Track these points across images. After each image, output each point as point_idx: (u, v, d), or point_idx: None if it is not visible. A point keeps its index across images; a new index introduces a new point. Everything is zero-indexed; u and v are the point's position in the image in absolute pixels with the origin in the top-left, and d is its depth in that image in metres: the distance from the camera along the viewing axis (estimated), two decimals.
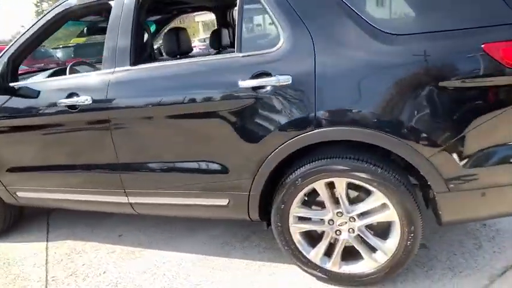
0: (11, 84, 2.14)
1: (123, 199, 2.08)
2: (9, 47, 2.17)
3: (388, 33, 1.44)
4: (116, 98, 1.85)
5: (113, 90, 1.85)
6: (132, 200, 2.05)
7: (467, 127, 1.42)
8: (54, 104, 1.99)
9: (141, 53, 1.93)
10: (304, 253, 1.80)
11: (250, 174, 1.72)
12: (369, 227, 1.70)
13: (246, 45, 1.66)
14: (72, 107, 1.94)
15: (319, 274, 1.80)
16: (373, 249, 1.71)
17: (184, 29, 2.26)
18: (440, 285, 1.75)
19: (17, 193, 2.39)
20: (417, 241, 1.60)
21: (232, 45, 3.01)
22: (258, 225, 2.36)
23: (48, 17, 2.07)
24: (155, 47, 3.60)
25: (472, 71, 1.38)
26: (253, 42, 1.71)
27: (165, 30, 2.45)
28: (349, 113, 1.50)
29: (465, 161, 1.45)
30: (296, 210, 1.74)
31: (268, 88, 1.57)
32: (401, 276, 1.80)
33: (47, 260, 2.34)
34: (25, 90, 2.11)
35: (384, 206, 1.61)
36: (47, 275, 2.18)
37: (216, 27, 3.13)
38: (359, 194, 1.68)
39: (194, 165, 1.83)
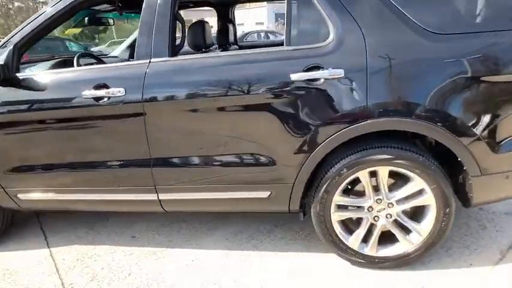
0: (18, 75, 1.96)
1: (151, 196, 2.00)
2: (15, 34, 1.98)
3: (432, 32, 1.59)
4: (154, 90, 1.79)
5: (151, 82, 1.78)
6: (163, 196, 1.98)
7: (498, 118, 1.61)
8: (76, 96, 1.86)
9: (177, 44, 1.87)
10: (344, 240, 1.89)
11: (297, 165, 1.77)
12: (404, 211, 1.84)
13: (294, 39, 1.72)
14: (99, 99, 1.83)
15: (357, 259, 1.90)
16: (408, 232, 1.85)
17: (207, 22, 2.23)
18: (461, 262, 1.94)
19: (19, 195, 2.17)
20: (451, 222, 1.77)
21: (235, 42, 3.03)
22: (279, 219, 2.43)
23: (63, 3, 1.93)
24: None
25: (505, 67, 1.57)
26: (301, 36, 1.75)
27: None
28: (399, 104, 1.62)
29: (495, 147, 1.64)
30: (338, 199, 1.82)
31: (321, 81, 1.64)
32: (427, 257, 1.96)
33: (56, 267, 2.15)
34: (35, 82, 1.94)
35: (421, 191, 1.75)
36: (62, 283, 2.01)
37: (218, 25, 3.12)
38: (396, 181, 1.81)
39: (239, 158, 1.83)
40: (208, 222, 2.48)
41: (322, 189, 1.80)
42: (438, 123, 1.60)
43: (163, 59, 1.80)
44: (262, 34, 14.36)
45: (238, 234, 2.34)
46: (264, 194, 1.88)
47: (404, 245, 1.86)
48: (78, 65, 2.22)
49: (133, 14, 3.01)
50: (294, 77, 1.65)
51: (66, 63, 2.42)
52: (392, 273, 1.89)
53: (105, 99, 1.82)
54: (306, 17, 1.73)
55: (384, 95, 1.62)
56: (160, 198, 1.99)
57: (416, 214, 1.84)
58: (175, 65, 1.81)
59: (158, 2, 1.81)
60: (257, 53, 1.79)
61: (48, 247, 2.37)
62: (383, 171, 1.74)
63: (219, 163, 1.85)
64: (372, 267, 1.92)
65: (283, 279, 1.91)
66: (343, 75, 1.62)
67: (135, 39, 3.25)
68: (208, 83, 1.76)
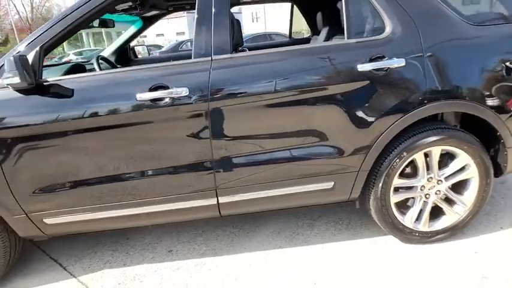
0: (49, 80, 1.72)
1: (210, 201, 1.89)
2: (41, 34, 1.73)
3: (470, 24, 1.81)
4: (220, 87, 1.71)
5: (216, 79, 1.70)
6: (223, 199, 1.89)
7: None
8: (128, 100, 1.69)
9: (236, 40, 1.82)
10: (400, 220, 2.01)
11: (363, 153, 1.84)
12: (450, 186, 2.03)
13: (354, 32, 1.80)
14: (157, 100, 1.69)
15: (413, 237, 2.05)
16: (453, 205, 2.04)
17: (238, 21, 2.20)
18: (492, 227, 2.20)
19: (45, 220, 1.87)
20: (490, 190, 2.01)
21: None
22: (313, 213, 2.48)
23: (94, 3, 1.75)
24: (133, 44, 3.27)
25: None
26: (359, 29, 1.83)
27: None
28: (452, 88, 1.80)
29: None
30: (396, 182, 1.94)
31: (385, 70, 1.75)
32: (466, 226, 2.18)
33: None
34: (68, 87, 1.72)
35: (466, 165, 1.96)
36: None
37: None
38: (441, 159, 1.99)
39: (307, 151, 1.83)
40: (242, 226, 2.42)
41: (384, 174, 1.90)
42: (483, 103, 1.82)
43: (226, 56, 1.74)
44: (190, 42, 14.24)
45: (281, 232, 2.33)
46: (328, 185, 1.92)
47: (451, 217, 2.05)
48: (100, 69, 2.02)
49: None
50: (361, 67, 1.74)
51: (79, 67, 2.16)
52: (441, 245, 2.07)
53: (166, 100, 1.69)
54: (363, 13, 1.82)
55: (439, 81, 1.79)
56: (220, 201, 1.90)
57: (458, 187, 2.05)
58: (239, 61, 1.76)
59: (214, 3, 1.75)
60: (322, 46, 1.84)
61: (74, 276, 2.07)
62: (436, 151, 1.91)
63: (286, 158, 1.83)
64: (426, 242, 2.07)
65: (350, 266, 1.96)
66: (404, 64, 1.75)
67: (123, 43, 3.09)
68: (275, 78, 1.74)
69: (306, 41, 3.18)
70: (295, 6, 3.26)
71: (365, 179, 1.92)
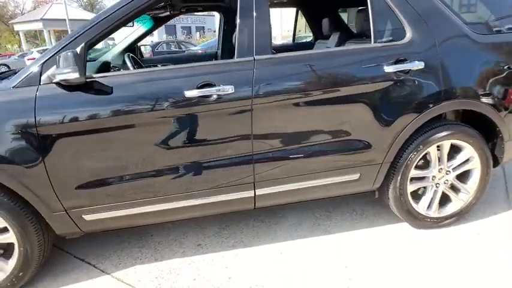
0: (95, 76, 1.75)
1: (248, 193, 1.99)
2: (86, 31, 1.75)
3: (475, 32, 2.07)
4: (262, 86, 1.82)
5: (259, 78, 1.82)
6: (260, 192, 2.00)
7: None
8: (176, 96, 1.76)
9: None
10: (415, 208, 2.23)
11: (387, 146, 2.04)
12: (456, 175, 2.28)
13: (378, 36, 1.99)
14: (205, 97, 1.77)
15: (426, 222, 2.28)
16: (458, 192, 2.29)
17: None
18: (481, 211, 2.49)
19: (84, 216, 1.88)
20: (490, 179, 2.28)
21: None
22: (328, 205, 2.65)
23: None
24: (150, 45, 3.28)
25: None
26: (383, 34, 2.03)
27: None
28: (463, 89, 2.04)
29: None
30: (413, 172, 2.16)
31: (407, 71, 1.95)
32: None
33: None
34: (115, 84, 1.76)
35: (470, 157, 2.21)
36: None
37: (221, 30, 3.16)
38: (449, 152, 2.24)
39: (338, 145, 1.99)
40: (263, 219, 2.53)
41: (403, 166, 2.11)
42: (486, 102, 2.08)
43: (268, 56, 1.86)
44: (173, 44, 14.15)
45: (302, 224, 2.47)
46: (355, 176, 2.09)
47: (457, 204, 2.29)
48: (133, 67, 2.06)
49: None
50: (387, 69, 1.93)
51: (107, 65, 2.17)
52: (448, 229, 2.31)
53: (213, 97, 1.78)
54: (387, 20, 2.02)
55: (453, 82, 2.02)
56: (256, 194, 2.01)
57: (462, 177, 2.30)
58: (280, 61, 1.89)
59: (255, 2, 1.87)
60: (354, 49, 2.01)
61: (107, 273, 2.08)
62: (447, 144, 2.15)
63: (320, 151, 1.98)
64: (436, 227, 2.30)
65: (373, 250, 2.14)
66: (423, 66, 1.97)
67: (132, 43, 3.10)
68: (311, 77, 1.89)
69: (310, 45, 3.37)
70: (299, 12, 3.44)
71: (387, 170, 2.12)
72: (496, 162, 2.31)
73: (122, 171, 1.82)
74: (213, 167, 1.90)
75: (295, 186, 2.04)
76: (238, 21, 1.87)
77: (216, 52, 3.51)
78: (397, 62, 1.95)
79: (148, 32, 3.10)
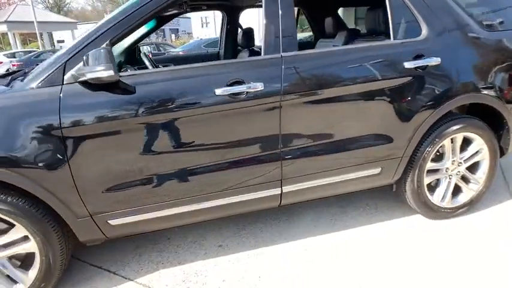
0: (125, 74, 1.70)
1: (275, 191, 1.99)
2: (109, 28, 1.69)
3: (484, 29, 2.17)
4: (291, 83, 1.82)
5: (287, 75, 1.82)
6: (287, 189, 2.00)
7: None
8: (206, 94, 1.73)
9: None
10: (431, 199, 2.30)
11: (407, 140, 2.09)
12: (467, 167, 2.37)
13: (397, 34, 2.04)
14: (236, 95, 1.75)
15: (440, 213, 2.35)
16: (468, 183, 2.39)
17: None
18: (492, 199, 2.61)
19: (110, 221, 1.80)
20: (497, 170, 2.39)
21: (248, 45, 3.12)
22: (341, 201, 2.69)
23: None
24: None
25: None
26: (401, 31, 2.07)
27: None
28: (475, 83, 2.13)
29: None
30: (429, 165, 2.23)
31: (426, 67, 2.02)
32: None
33: None
34: (144, 82, 1.71)
35: (480, 149, 2.31)
36: None
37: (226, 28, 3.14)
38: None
39: (362, 140, 2.02)
40: (280, 218, 2.53)
41: (421, 158, 2.18)
42: (495, 95, 2.18)
43: (294, 53, 1.86)
44: (151, 46, 13.87)
45: (320, 220, 2.48)
46: (376, 171, 2.13)
47: (467, 194, 2.39)
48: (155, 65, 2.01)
49: None
50: (407, 65, 1.98)
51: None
52: (460, 219, 2.40)
53: (243, 95, 1.76)
54: (405, 18, 2.06)
55: (466, 77, 2.11)
56: (283, 191, 2.00)
57: (471, 168, 2.39)
58: (306, 58, 1.89)
59: (280, 3, 1.87)
60: (377, 45, 2.05)
61: (131, 279, 2.01)
62: (459, 137, 2.24)
63: (345, 147, 2.01)
64: (450, 217, 2.39)
65: (394, 241, 2.19)
66: (440, 62, 2.04)
67: (134, 43, 3.03)
68: (337, 73, 1.92)
69: (310, 44, 3.40)
70: (301, 11, 3.47)
71: (406, 164, 2.17)
72: (502, 152, 2.43)
73: (150, 172, 1.77)
74: (242, 165, 1.88)
75: (320, 183, 2.05)
76: (264, 19, 1.86)
77: (218, 52, 3.47)
78: (415, 58, 2.01)
79: (150, 32, 3.03)
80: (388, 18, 2.05)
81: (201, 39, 13.17)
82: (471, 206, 2.42)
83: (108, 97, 1.65)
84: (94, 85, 1.63)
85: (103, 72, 1.50)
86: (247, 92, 1.77)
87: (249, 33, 2.98)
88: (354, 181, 2.13)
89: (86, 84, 1.63)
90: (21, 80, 1.80)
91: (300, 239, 2.28)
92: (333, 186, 2.10)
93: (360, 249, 2.14)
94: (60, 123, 1.60)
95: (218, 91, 1.73)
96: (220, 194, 1.91)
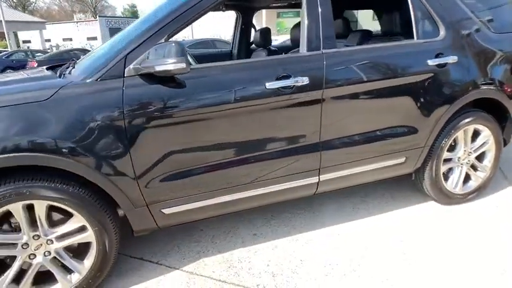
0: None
1: (313, 179, 2.12)
2: (168, 24, 1.76)
3: (491, 30, 2.42)
4: (332, 78, 1.96)
5: (329, 71, 1.96)
6: (323, 177, 2.13)
7: None
8: (259, 87, 1.84)
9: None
10: (446, 187, 2.52)
11: (429, 131, 2.29)
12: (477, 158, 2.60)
13: (420, 34, 2.24)
14: (284, 88, 1.87)
15: (454, 198, 2.58)
16: (476, 170, 2.62)
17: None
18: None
19: (164, 210, 1.87)
20: (499, 158, 2.64)
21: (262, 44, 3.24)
22: (360, 192, 2.85)
23: None
24: None
25: None
26: (423, 32, 2.27)
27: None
28: (486, 79, 2.36)
29: None
30: (445, 154, 2.44)
31: (445, 65, 2.22)
32: None
33: (221, 279, 1.96)
34: (203, 75, 1.80)
35: (487, 140, 2.55)
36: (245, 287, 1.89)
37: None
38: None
39: (391, 131, 2.20)
40: (305, 208, 2.67)
41: (439, 148, 2.38)
42: (502, 91, 2.43)
43: (334, 50, 2.01)
44: None
45: (342, 209, 2.64)
46: (401, 160, 2.31)
47: (476, 181, 2.63)
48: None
49: None
50: (430, 62, 2.18)
51: None
52: (470, 204, 2.63)
53: (291, 88, 1.88)
54: (425, 20, 2.26)
55: (478, 74, 2.34)
56: (320, 179, 2.14)
57: (479, 157, 2.64)
58: (345, 54, 2.05)
59: (320, 3, 2.01)
60: (404, 44, 2.24)
61: (177, 268, 2.08)
62: (471, 129, 2.47)
63: (377, 138, 2.18)
64: (461, 202, 2.61)
65: (415, 224, 2.38)
66: (456, 60, 2.26)
67: None
68: (371, 69, 2.08)
69: None
70: None
71: (427, 153, 2.37)
72: (504, 143, 2.69)
73: (204, 161, 1.85)
74: (287, 154, 2.00)
75: (352, 172, 2.21)
76: (306, 19, 1.99)
77: (231, 51, 3.57)
78: (436, 56, 2.21)
79: None
80: (411, 20, 2.24)
81: (184, 40, 13.09)
82: (479, 191, 2.66)
83: (169, 89, 1.72)
84: (155, 78, 1.70)
85: (176, 64, 1.57)
86: (293, 86, 1.89)
87: (265, 33, 3.11)
88: (381, 170, 2.30)
89: (146, 77, 1.70)
90: (69, 73, 1.85)
91: (329, 226, 2.42)
92: (363, 175, 2.26)
93: (387, 233, 2.31)
94: (123, 115, 1.66)
95: (268, 84, 1.85)
96: (265, 183, 2.02)
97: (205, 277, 1.99)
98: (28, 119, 1.57)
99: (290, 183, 2.08)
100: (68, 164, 1.61)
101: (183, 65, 1.58)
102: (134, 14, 55.43)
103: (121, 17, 44.40)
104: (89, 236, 1.77)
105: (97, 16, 40.98)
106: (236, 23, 3.47)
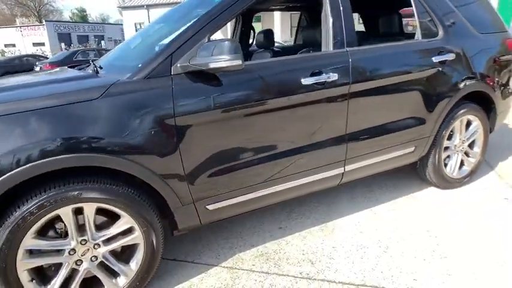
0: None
1: (339, 170, 2.24)
2: (209, 23, 1.80)
3: (479, 32, 2.72)
4: (357, 74, 2.11)
5: (354, 67, 2.10)
6: (348, 168, 2.27)
7: (508, 77, 2.89)
8: (296, 83, 1.94)
9: None
10: (446, 172, 2.77)
11: (434, 121, 2.52)
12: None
13: (423, 34, 2.47)
14: (318, 84, 1.98)
15: (453, 183, 2.83)
16: (469, 157, 2.91)
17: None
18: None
19: (208, 207, 1.88)
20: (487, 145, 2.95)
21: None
22: (367, 184, 3.03)
23: None
24: None
25: (502, 52, 2.86)
26: (427, 32, 2.49)
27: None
28: (478, 74, 2.65)
29: (506, 95, 2.92)
30: (446, 142, 2.70)
31: (445, 61, 2.47)
32: None
33: (263, 270, 2.01)
34: (250, 72, 1.86)
35: (478, 129, 2.85)
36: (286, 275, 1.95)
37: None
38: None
39: (404, 122, 2.40)
40: (319, 201, 2.79)
41: (441, 137, 2.63)
42: (489, 85, 2.73)
43: (356, 48, 2.15)
44: (93, 53, 13.11)
45: (355, 199, 2.80)
46: (411, 149, 2.52)
47: (469, 166, 2.91)
48: None
49: None
50: (434, 59, 2.41)
51: None
52: (463, 188, 2.91)
53: (323, 84, 1.99)
54: (427, 22, 2.49)
55: (472, 70, 2.61)
56: (345, 170, 2.27)
57: (469, 145, 2.93)
58: (366, 52, 2.20)
59: (341, 4, 2.15)
60: (410, 43, 2.44)
61: (215, 265, 2.10)
62: (465, 119, 2.75)
63: (393, 129, 2.36)
64: (457, 186, 2.88)
65: (418, 208, 2.60)
66: (454, 57, 2.51)
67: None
68: (389, 65, 2.27)
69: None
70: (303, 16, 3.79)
71: (432, 141, 2.60)
72: (490, 131, 3.01)
73: (246, 156, 1.90)
74: (319, 147, 2.11)
75: (372, 161, 2.37)
76: (330, 19, 2.12)
77: None
78: (439, 54, 2.45)
79: None
80: (416, 21, 2.47)
81: None
82: (471, 175, 2.96)
83: (216, 86, 1.76)
84: (201, 75, 1.73)
85: (232, 61, 1.61)
86: (325, 82, 2.01)
87: (268, 34, 3.21)
88: (394, 159, 2.48)
89: (193, 74, 1.72)
90: (96, 72, 1.84)
91: (348, 215, 2.56)
92: (379, 164, 2.43)
93: (402, 216, 2.50)
94: (173, 112, 1.67)
95: (304, 80, 1.95)
96: (299, 175, 2.11)
97: (248, 270, 2.03)
98: (81, 118, 1.53)
99: (320, 174, 2.19)
100: (120, 163, 1.59)
101: (239, 62, 1.63)
102: (84, 19, 52.93)
103: (70, 22, 42.21)
104: (137, 237, 1.74)
105: (42, 20, 38.64)
106: (235, 25, 3.54)
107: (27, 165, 1.42)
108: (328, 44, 2.14)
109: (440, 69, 2.45)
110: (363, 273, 1.96)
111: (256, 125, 1.89)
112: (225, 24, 1.88)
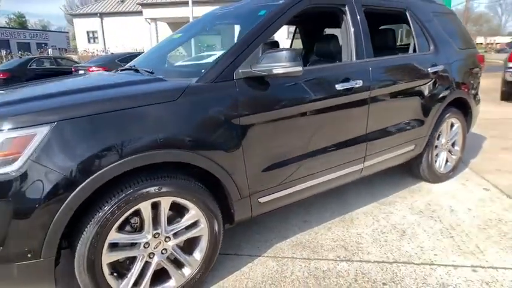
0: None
1: (359, 166, 2.54)
2: (261, 33, 2.03)
3: (459, 48, 3.22)
4: (375, 81, 2.43)
5: (373, 75, 2.42)
6: (367, 164, 2.57)
7: (477, 82, 3.43)
8: (331, 89, 2.21)
9: None
10: (436, 166, 3.21)
11: (430, 123, 2.93)
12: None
13: (420, 48, 2.89)
14: (347, 90, 2.27)
15: (440, 177, 3.28)
16: (452, 154, 3.38)
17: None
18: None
19: (260, 199, 2.06)
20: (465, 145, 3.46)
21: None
22: (376, 178, 3.37)
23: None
24: None
25: (474, 65, 3.40)
26: (421, 47, 2.90)
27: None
28: (459, 83, 3.13)
29: (475, 98, 3.45)
30: (436, 142, 3.12)
31: (437, 72, 2.91)
32: None
33: (292, 256, 2.21)
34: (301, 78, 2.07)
35: (459, 130, 3.33)
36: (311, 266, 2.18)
37: None
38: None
39: (410, 123, 2.77)
40: (330, 196, 3.07)
41: (434, 137, 3.06)
42: (468, 92, 3.24)
43: (373, 59, 2.48)
44: (48, 61, 12.41)
45: (362, 194, 3.11)
46: (412, 147, 2.90)
47: (451, 162, 3.38)
48: None
49: None
50: (429, 70, 2.84)
51: None
52: (451, 181, 3.37)
53: (352, 89, 2.29)
54: (421, 38, 2.92)
55: (455, 79, 3.09)
56: (364, 165, 2.57)
57: (452, 145, 3.40)
58: (380, 62, 2.53)
59: (359, 19, 2.47)
60: (409, 56, 2.83)
61: (259, 255, 2.27)
62: (449, 122, 3.22)
63: (402, 129, 2.72)
64: (444, 180, 3.33)
65: (417, 197, 2.98)
66: (443, 68, 2.96)
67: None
68: (399, 74, 2.65)
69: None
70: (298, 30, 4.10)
71: (428, 139, 3.01)
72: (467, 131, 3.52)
73: (294, 153, 2.13)
74: (347, 145, 2.40)
75: (384, 158, 2.70)
76: (352, 34, 2.43)
77: None
78: (432, 65, 2.88)
79: None
80: (412, 36, 2.88)
81: (113, 53, 12.50)
82: (454, 170, 3.43)
83: (273, 90, 1.98)
84: (259, 80, 1.93)
85: (294, 68, 1.83)
86: (352, 88, 2.31)
87: (273, 46, 3.46)
88: (400, 156, 2.84)
89: (252, 79, 1.92)
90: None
91: (362, 207, 2.87)
92: (388, 160, 2.78)
93: (402, 206, 2.86)
94: (238, 113, 1.84)
95: (338, 86, 2.23)
96: (331, 170, 2.36)
97: (290, 258, 2.22)
98: (164, 117, 1.66)
99: (347, 169, 2.47)
100: (200, 160, 1.74)
101: (300, 68, 1.86)
102: (22, 25, 49.39)
103: (8, 28, 39.25)
104: (202, 229, 1.87)
105: None
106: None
107: (129, 158, 1.52)
108: (350, 55, 2.45)
109: (433, 78, 2.88)
110: (392, 253, 2.25)
111: (303, 125, 2.13)
112: (273, 34, 2.10)
